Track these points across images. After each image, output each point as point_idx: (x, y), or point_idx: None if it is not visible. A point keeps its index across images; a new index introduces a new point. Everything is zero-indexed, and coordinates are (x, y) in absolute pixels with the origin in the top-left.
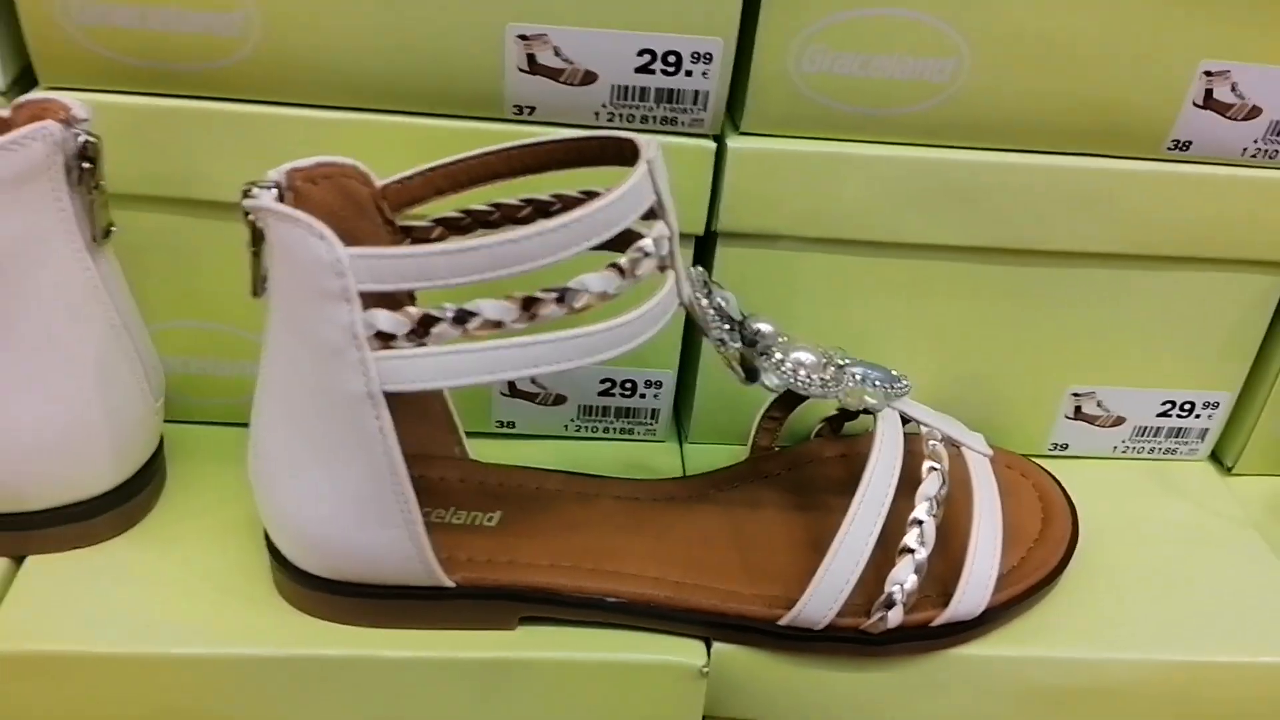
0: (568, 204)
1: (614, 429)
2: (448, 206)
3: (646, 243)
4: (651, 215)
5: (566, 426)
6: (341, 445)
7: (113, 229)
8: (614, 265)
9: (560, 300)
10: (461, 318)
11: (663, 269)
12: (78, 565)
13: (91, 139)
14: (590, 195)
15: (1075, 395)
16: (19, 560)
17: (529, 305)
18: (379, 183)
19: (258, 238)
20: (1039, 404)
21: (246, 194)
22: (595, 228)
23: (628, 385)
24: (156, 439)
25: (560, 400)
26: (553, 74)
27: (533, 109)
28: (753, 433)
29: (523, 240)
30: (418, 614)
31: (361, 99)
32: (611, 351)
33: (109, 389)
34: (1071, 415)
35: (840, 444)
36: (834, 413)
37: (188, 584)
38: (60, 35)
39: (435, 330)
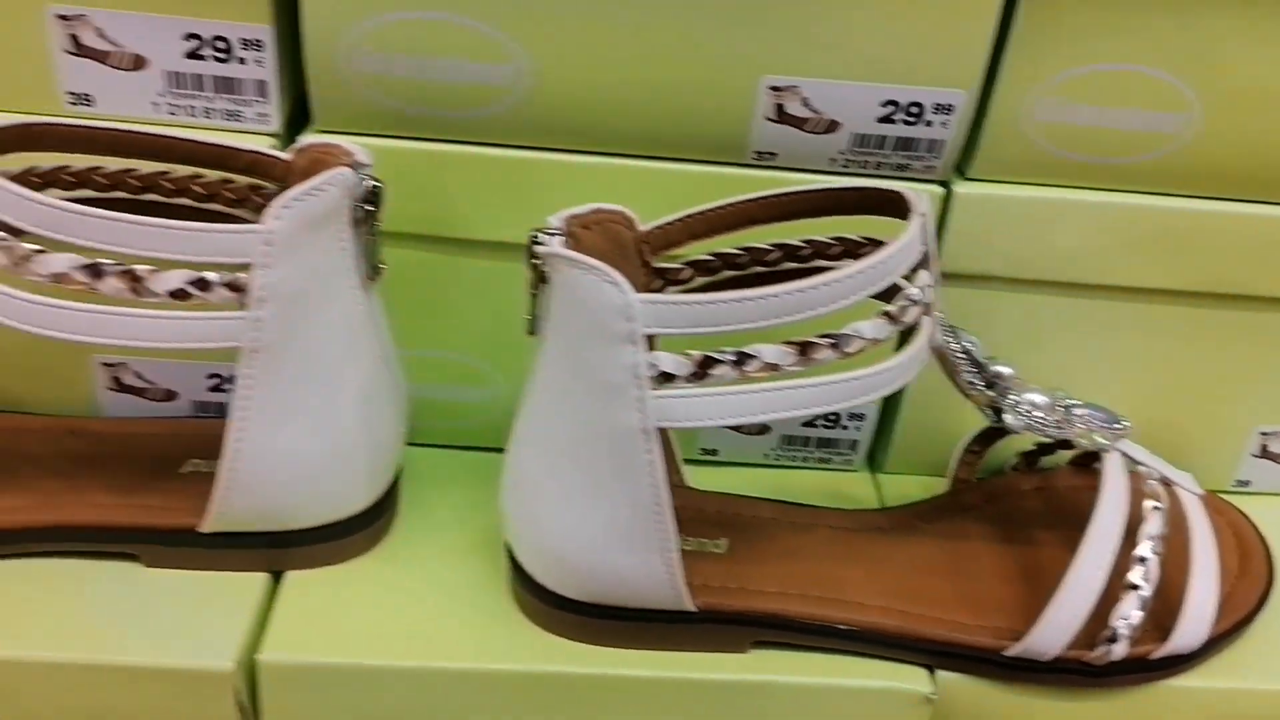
0: (817, 249)
1: (812, 458)
2: (700, 250)
3: (914, 291)
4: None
5: (766, 455)
6: (611, 476)
7: (382, 267)
8: (885, 313)
9: (835, 346)
10: (741, 360)
11: (924, 315)
12: (332, 581)
13: (377, 184)
14: (841, 240)
15: (1264, 434)
16: (276, 575)
17: (805, 350)
18: (642, 227)
19: (540, 280)
20: (1226, 441)
21: (535, 240)
22: (875, 278)
23: (831, 416)
24: (400, 461)
25: (764, 430)
26: (798, 123)
27: (773, 155)
28: (953, 465)
29: (809, 290)
30: (659, 636)
31: (613, 144)
32: (877, 393)
33: (371, 416)
34: (1258, 454)
35: (1036, 478)
36: (1031, 447)
37: (434, 600)
38: (340, 81)
39: (715, 372)
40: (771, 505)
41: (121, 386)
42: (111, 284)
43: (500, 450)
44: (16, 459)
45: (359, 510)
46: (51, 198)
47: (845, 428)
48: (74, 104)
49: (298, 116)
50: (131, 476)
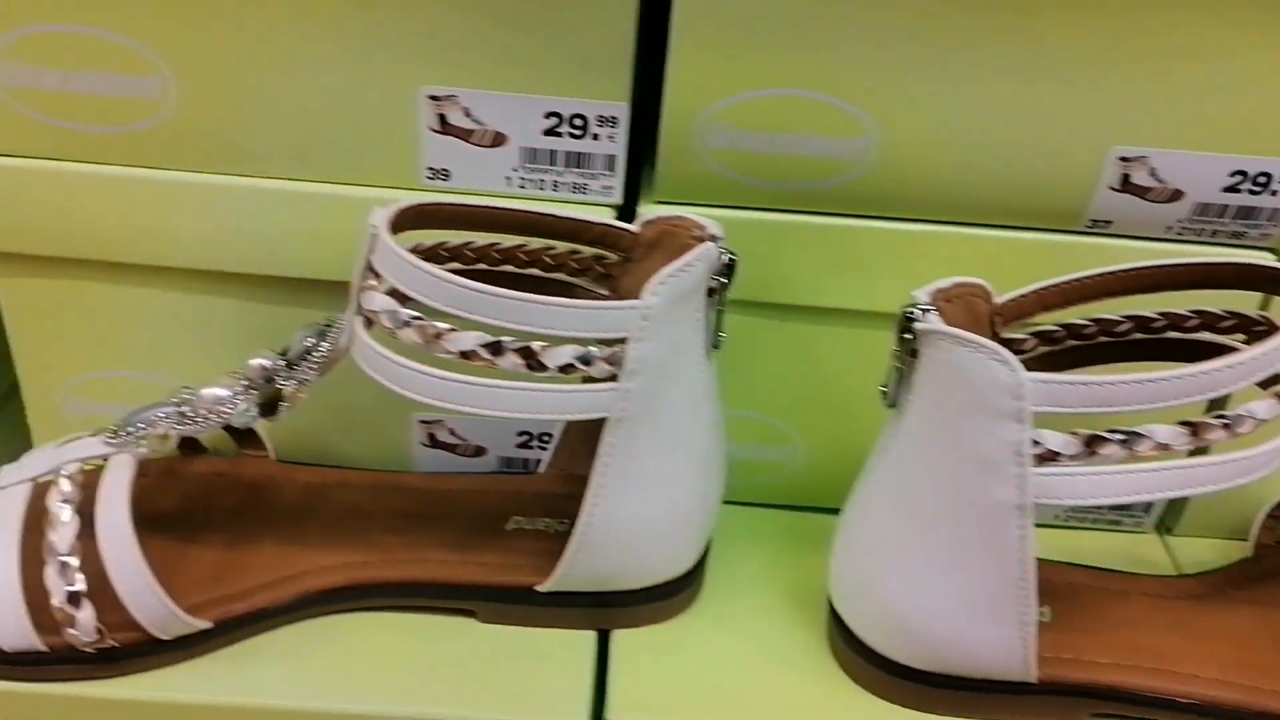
0: (1172, 321)
1: (1103, 520)
2: (1047, 320)
3: None
4: None
5: (1057, 516)
6: (976, 549)
7: (722, 336)
8: (1277, 394)
9: (1227, 427)
10: (1131, 440)
11: None
12: (659, 640)
13: (733, 257)
14: (1199, 314)
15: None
16: (601, 633)
17: (1198, 431)
18: (996, 300)
19: (909, 353)
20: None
21: (909, 315)
22: (1275, 360)
23: None
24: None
25: None
26: (1141, 192)
27: (1109, 223)
28: (1256, 530)
29: (1212, 373)
30: (996, 706)
31: (949, 214)
32: (1265, 471)
33: (706, 480)
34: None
35: None
36: None
37: (758, 660)
38: (690, 156)
39: (1103, 451)
40: (1082, 571)
41: (435, 442)
42: (510, 360)
43: (795, 508)
44: (349, 513)
45: (686, 570)
46: (462, 278)
47: None
48: (432, 179)
49: (628, 188)
50: (463, 534)
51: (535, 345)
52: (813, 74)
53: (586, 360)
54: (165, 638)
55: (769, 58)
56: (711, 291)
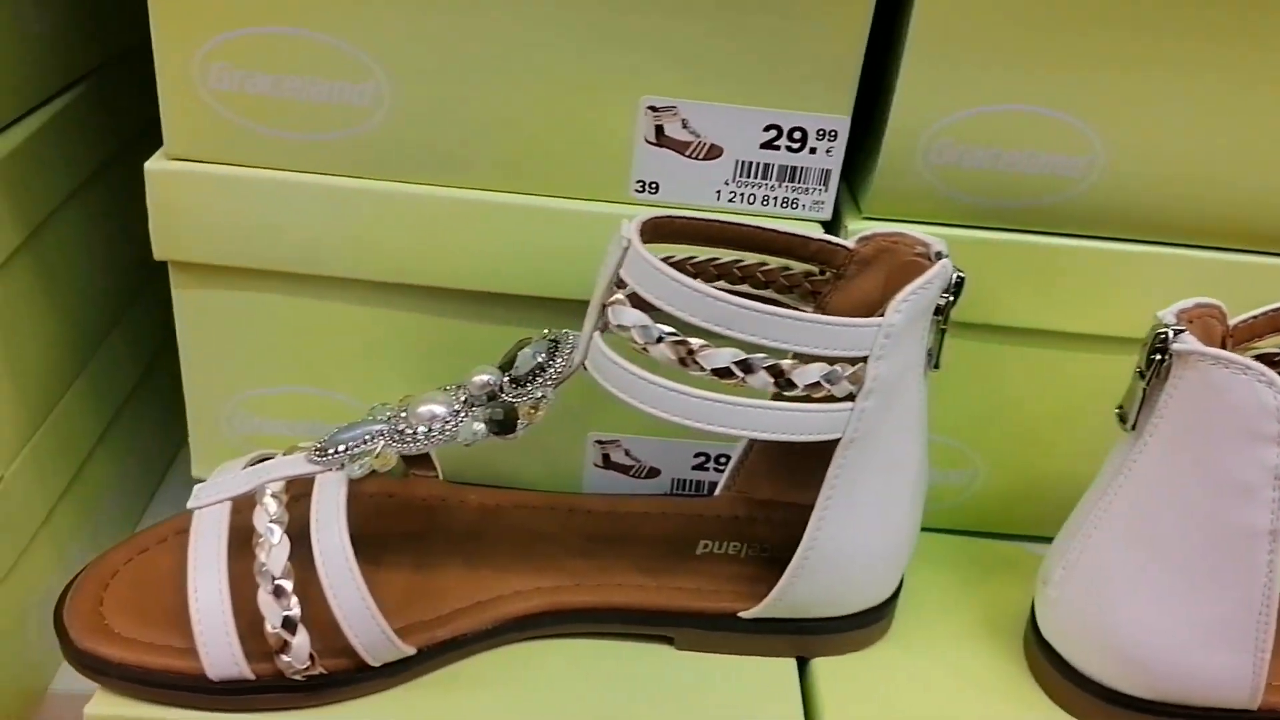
0: None
1: None
2: (1273, 344)
3: None
4: None
5: None
6: (1219, 575)
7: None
8: None
9: None
10: None
11: None
12: (860, 669)
13: (961, 275)
14: None
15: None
16: (800, 660)
17: None
18: (1231, 321)
19: (1156, 374)
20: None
21: (1162, 335)
22: None
23: None
24: None
25: None
26: None
27: None
28: None
29: None
30: None
31: (1175, 235)
32: None
33: (915, 504)
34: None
35: None
36: None
37: (959, 688)
38: (910, 172)
39: None
40: None
41: (608, 464)
42: (761, 378)
43: (971, 533)
44: (531, 536)
45: (889, 596)
46: (723, 293)
47: None
48: (640, 192)
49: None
50: (653, 558)
51: (786, 364)
52: (1045, 89)
53: (832, 379)
54: (375, 664)
55: (1002, 72)
56: (938, 310)
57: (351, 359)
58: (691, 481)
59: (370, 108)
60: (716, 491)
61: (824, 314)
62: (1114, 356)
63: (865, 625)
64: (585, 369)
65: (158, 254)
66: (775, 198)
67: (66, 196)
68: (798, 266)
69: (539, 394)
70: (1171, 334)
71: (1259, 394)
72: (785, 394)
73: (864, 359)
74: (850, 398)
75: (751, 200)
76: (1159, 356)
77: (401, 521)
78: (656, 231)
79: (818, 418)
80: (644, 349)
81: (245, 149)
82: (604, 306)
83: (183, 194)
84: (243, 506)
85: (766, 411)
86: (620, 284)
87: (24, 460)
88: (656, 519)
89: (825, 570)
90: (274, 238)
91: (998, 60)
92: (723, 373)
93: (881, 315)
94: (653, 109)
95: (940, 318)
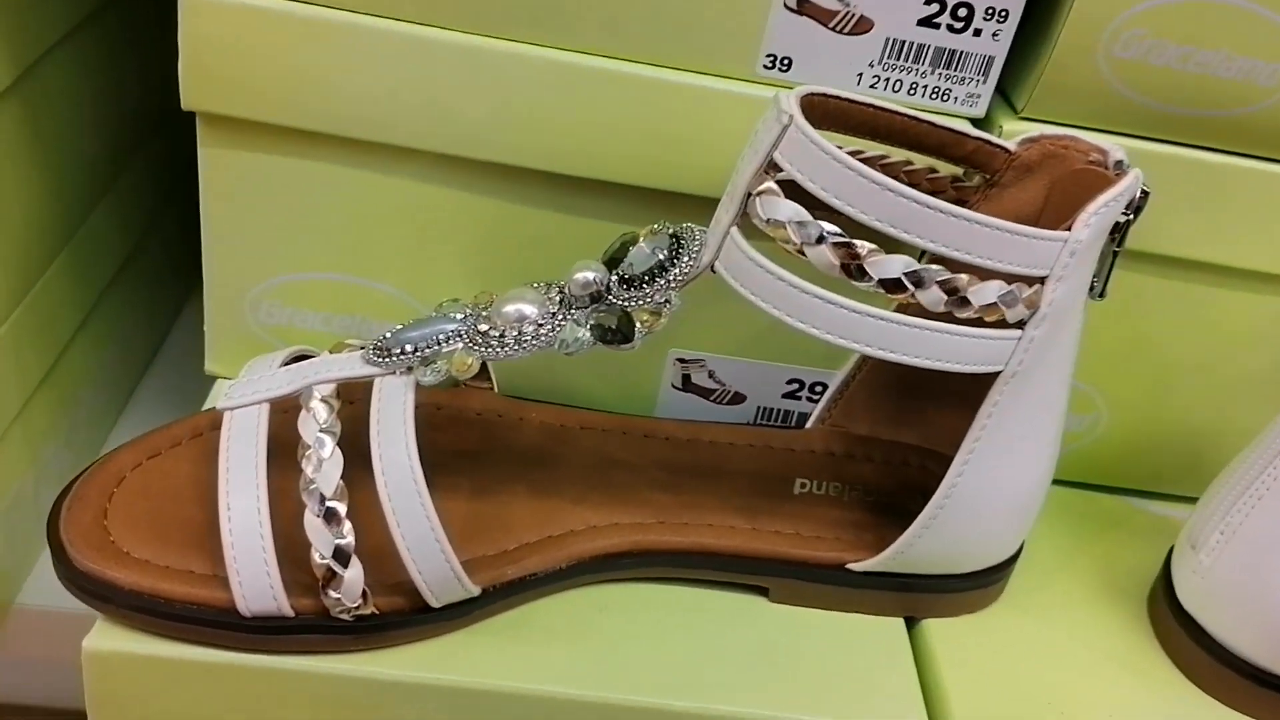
0: None
1: None
2: None
3: None
4: None
5: None
6: None
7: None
8: None
9: None
10: None
11: None
12: (974, 633)
13: (1146, 192)
14: None
15: None
16: (908, 621)
17: None
18: None
19: None
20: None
21: None
22: None
23: None
24: None
25: None
26: None
27: None
28: None
29: None
30: None
31: None
32: None
33: (1056, 449)
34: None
35: None
36: None
37: (1084, 659)
38: (1086, 66)
39: None
40: None
41: (688, 385)
42: (933, 294)
43: (1085, 486)
44: (604, 462)
45: (1013, 553)
46: (907, 188)
47: None
48: (770, 68)
49: None
50: (745, 495)
51: (962, 279)
52: None
53: (1009, 300)
54: (436, 605)
55: None
56: (1115, 229)
57: (406, 245)
58: (779, 411)
59: None
60: (808, 424)
61: None
62: (1276, 297)
63: (984, 585)
64: (713, 271)
65: (187, 103)
66: (925, 86)
67: (63, 35)
68: (945, 169)
69: (661, 298)
70: None
71: None
72: (956, 315)
73: (1042, 279)
74: (1020, 324)
75: (897, 87)
76: None
77: (454, 438)
78: (811, 110)
79: (985, 345)
80: (799, 250)
81: None
82: (749, 196)
83: (224, 29)
84: (283, 411)
85: (931, 335)
86: (772, 168)
87: None
88: (745, 451)
89: (960, 521)
90: (327, 92)
91: None
92: (892, 285)
93: (1068, 229)
94: None
95: (1116, 238)
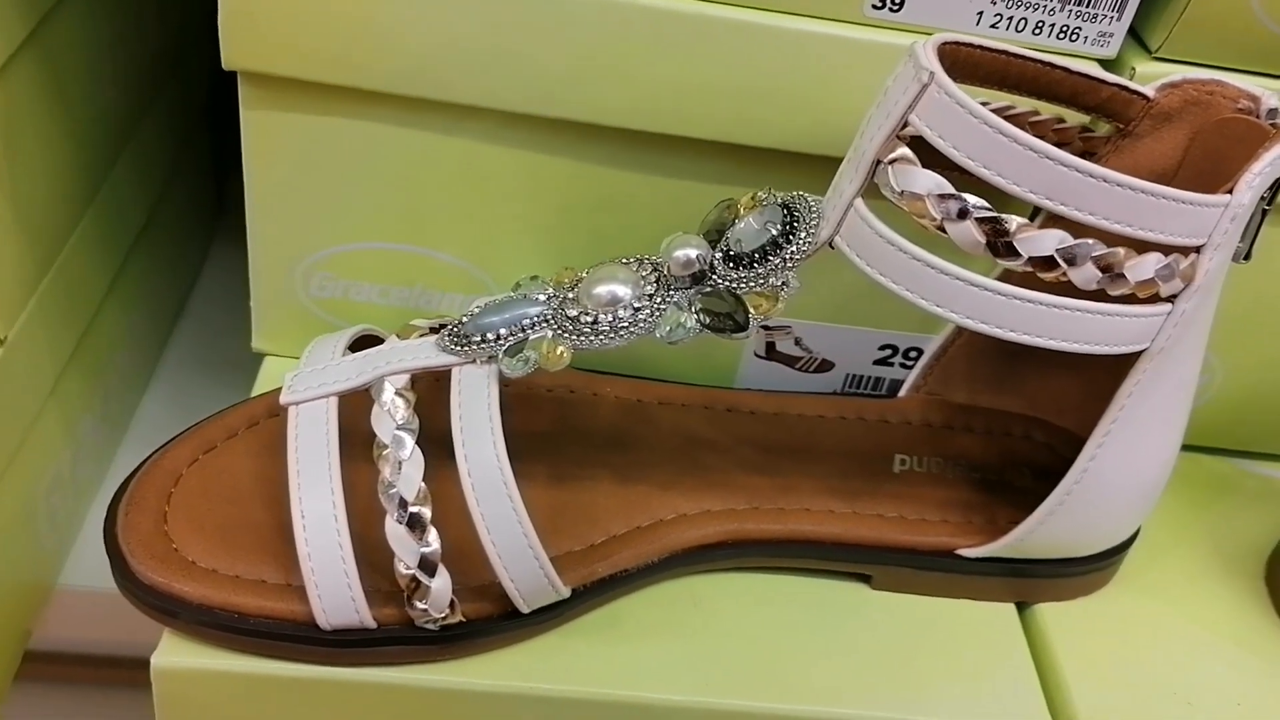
0: None
1: None
2: None
3: None
4: None
5: None
6: None
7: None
8: None
9: None
10: None
11: None
12: (1091, 618)
13: None
14: None
15: None
16: (1019, 606)
17: None
18: None
19: None
20: None
21: None
22: None
23: None
24: None
25: None
26: None
27: None
28: None
29: None
30: None
31: None
32: None
33: (1186, 422)
34: None
35: None
36: None
37: (1207, 642)
38: (1238, 2)
39: None
40: None
41: (772, 353)
42: (1087, 272)
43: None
44: (689, 442)
45: (1132, 535)
46: (1071, 156)
47: None
48: (879, 8)
49: None
50: (843, 475)
51: (1118, 254)
52: None
53: (1167, 274)
54: (527, 610)
55: None
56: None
57: (469, 212)
58: (870, 379)
59: None
60: (902, 391)
61: None
62: None
63: (1101, 568)
64: (832, 247)
65: (228, 61)
66: (1053, 25)
67: None
68: (1073, 118)
69: (778, 280)
70: None
71: None
72: (1109, 292)
73: (1198, 248)
74: (1171, 298)
75: (1021, 26)
76: None
77: (525, 419)
78: (943, 62)
79: (1136, 324)
80: (939, 226)
81: None
82: (879, 164)
83: None
84: (355, 405)
85: (1083, 317)
86: (906, 133)
87: (30, 315)
88: (836, 425)
89: (1089, 506)
90: (381, 45)
91: None
92: (1044, 263)
93: (1228, 191)
94: None
95: (1269, 197)
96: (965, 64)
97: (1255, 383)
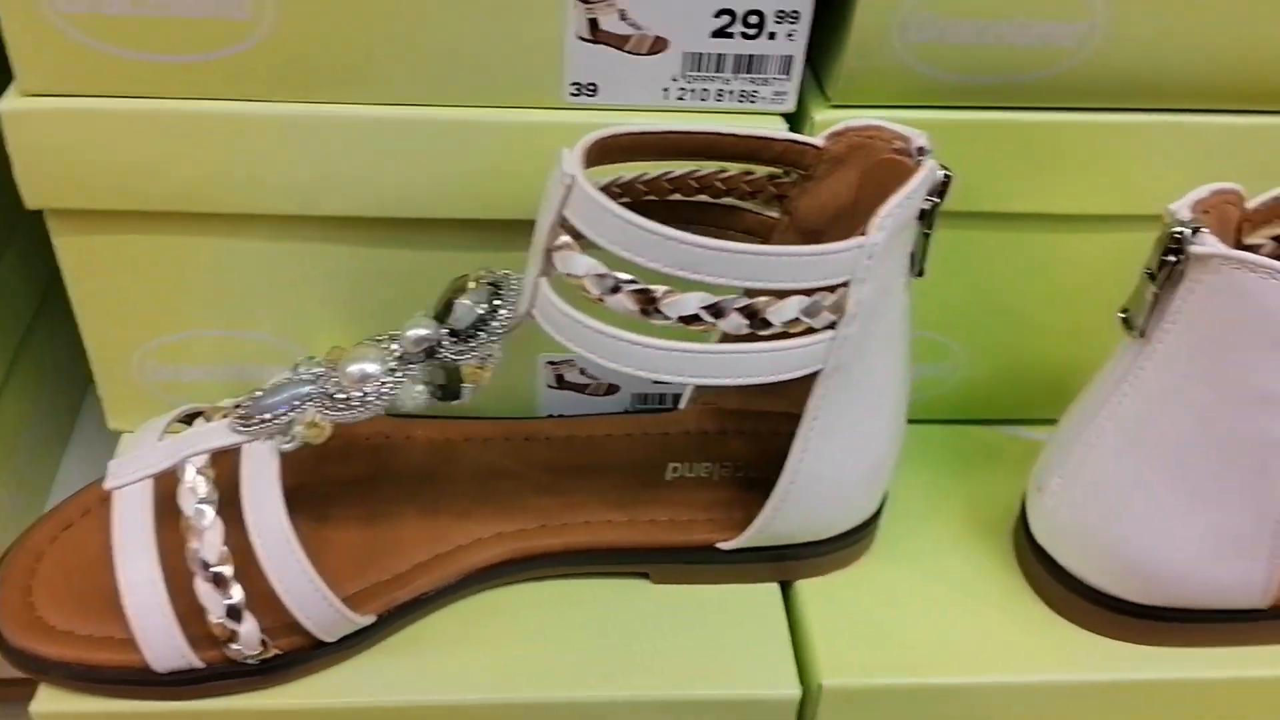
0: None
1: None
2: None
3: None
4: None
5: None
6: (1238, 487)
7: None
8: None
9: None
10: None
11: None
12: (845, 589)
13: (948, 174)
14: None
15: None
16: (783, 585)
17: None
18: (1249, 204)
19: (1169, 277)
20: None
21: (1177, 236)
22: None
23: None
24: None
25: None
26: None
27: None
28: None
29: None
30: (1223, 634)
31: (1188, 100)
32: None
33: (900, 416)
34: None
35: None
36: None
37: (956, 602)
38: (883, 54)
39: None
40: None
41: (563, 384)
42: (734, 321)
43: (949, 422)
44: (489, 473)
45: (873, 514)
46: (690, 235)
47: None
48: (576, 95)
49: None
50: (622, 487)
51: (760, 302)
52: None
53: (812, 311)
54: (331, 640)
55: None
56: (922, 214)
57: (266, 296)
58: (654, 395)
59: (251, 21)
60: (681, 403)
61: (792, 217)
62: (1112, 235)
63: (849, 545)
64: (533, 317)
65: (29, 202)
66: (731, 91)
67: None
68: (761, 170)
69: (484, 352)
70: (1188, 233)
71: None
72: (760, 334)
73: (845, 284)
74: (831, 325)
75: (704, 96)
76: (1173, 258)
77: (346, 466)
78: (603, 153)
79: (797, 354)
80: (599, 300)
81: (109, 77)
82: (549, 251)
83: (46, 134)
84: (166, 483)
85: (740, 356)
86: (566, 225)
87: None
88: (621, 441)
89: (808, 499)
90: (157, 175)
91: None
92: (691, 320)
93: (863, 233)
94: (585, 1)
95: (925, 222)
96: (630, 147)
97: (998, 364)
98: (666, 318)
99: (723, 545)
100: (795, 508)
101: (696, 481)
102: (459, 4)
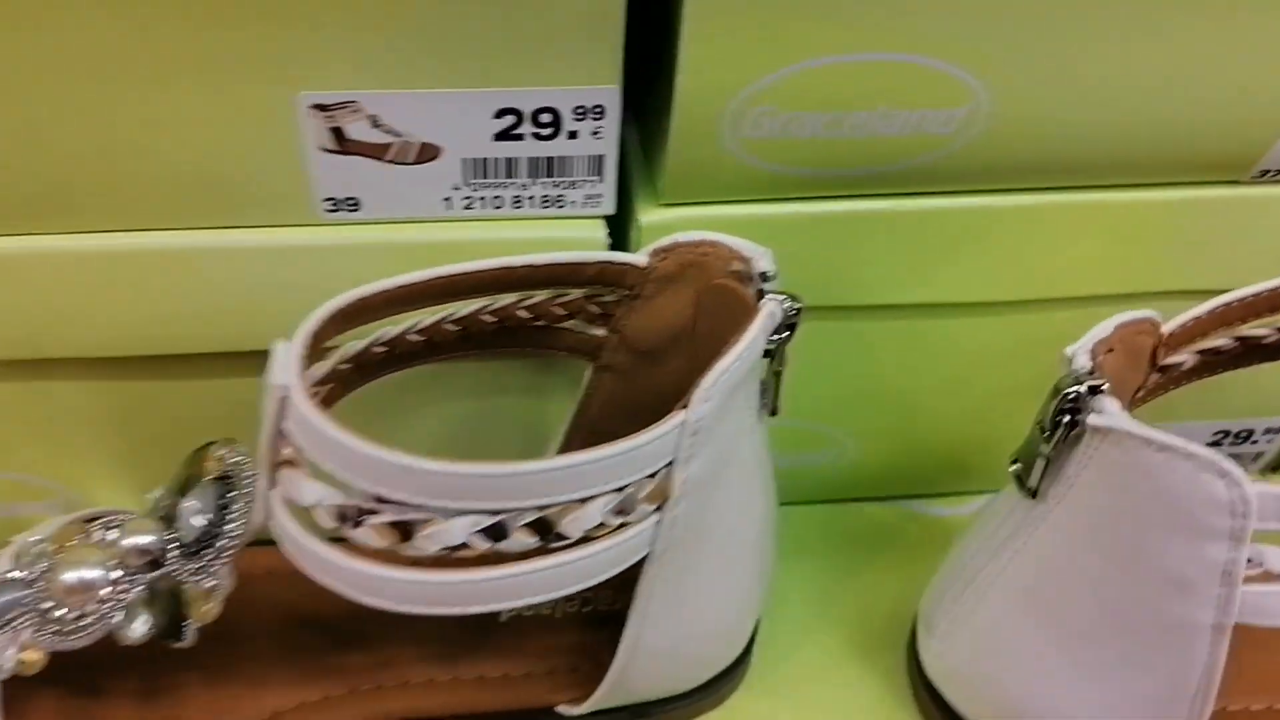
0: None
1: None
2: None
3: None
4: None
5: None
6: (1148, 665)
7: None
8: None
9: None
10: None
11: None
12: None
13: (797, 306)
14: None
15: None
16: None
17: None
18: (1166, 328)
19: (1065, 439)
20: None
21: (1072, 400)
22: None
23: None
24: None
25: None
26: None
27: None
28: None
29: None
30: None
31: (1078, 177)
32: None
33: (763, 556)
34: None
35: None
36: None
37: None
38: (714, 150)
39: None
40: None
41: None
42: (519, 541)
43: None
44: (287, 621)
45: (741, 654)
46: (445, 464)
47: None
48: (334, 210)
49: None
50: (443, 639)
51: (551, 514)
52: (903, 31)
53: (626, 508)
54: None
55: (842, 13)
56: (768, 353)
57: (12, 438)
58: None
59: None
60: None
61: (621, 336)
62: (1007, 318)
63: (716, 690)
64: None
65: None
66: (531, 197)
67: None
68: (575, 292)
69: (209, 584)
70: (1085, 391)
71: (1207, 486)
72: (555, 547)
73: (670, 464)
74: (657, 508)
75: (498, 204)
76: (1067, 419)
77: None
78: (349, 319)
79: (612, 553)
80: (341, 537)
81: None
82: (275, 467)
83: None
84: None
85: (540, 573)
86: (289, 439)
87: None
88: None
89: (657, 666)
90: None
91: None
92: (459, 549)
93: (684, 407)
94: (321, 108)
95: (774, 361)
96: (382, 306)
97: (892, 445)
98: (425, 552)
99: (564, 709)
100: (644, 674)
101: (536, 621)
102: (185, 117)
